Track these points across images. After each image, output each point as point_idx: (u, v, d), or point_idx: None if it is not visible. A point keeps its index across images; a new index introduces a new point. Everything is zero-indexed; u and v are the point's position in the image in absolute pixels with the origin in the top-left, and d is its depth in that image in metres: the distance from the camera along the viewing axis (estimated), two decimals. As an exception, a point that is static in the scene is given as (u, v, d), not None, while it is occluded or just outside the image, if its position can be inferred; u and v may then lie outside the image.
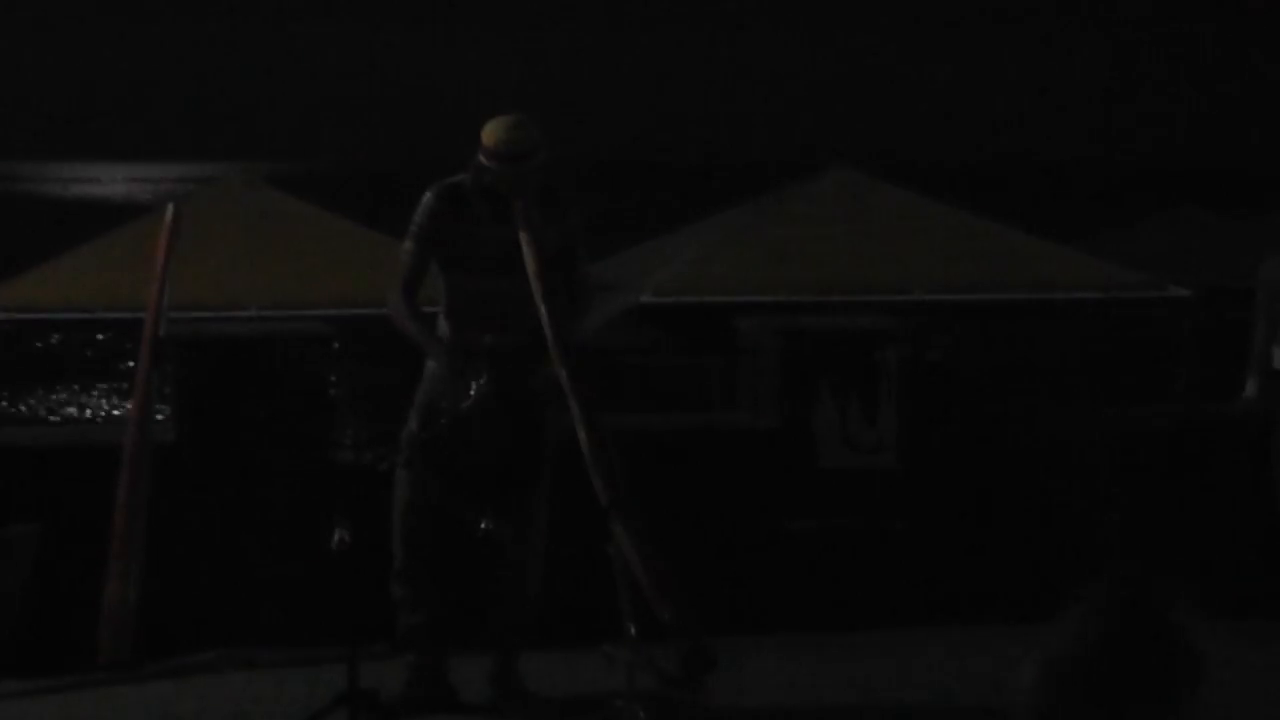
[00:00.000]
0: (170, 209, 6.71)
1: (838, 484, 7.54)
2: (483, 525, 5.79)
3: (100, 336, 11.32)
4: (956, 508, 7.68)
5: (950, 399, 8.06)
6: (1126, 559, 5.96)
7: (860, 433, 7.54)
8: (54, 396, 11.77)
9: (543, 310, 5.59)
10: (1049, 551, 7.02)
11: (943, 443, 7.80)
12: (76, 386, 11.59)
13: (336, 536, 5.35)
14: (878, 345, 7.70)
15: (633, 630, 5.56)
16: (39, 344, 12.22)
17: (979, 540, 7.40)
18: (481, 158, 5.69)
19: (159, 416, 7.12)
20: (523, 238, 5.58)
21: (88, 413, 10.94)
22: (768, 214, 12.72)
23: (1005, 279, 12.12)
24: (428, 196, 5.86)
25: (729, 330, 8.36)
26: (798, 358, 7.64)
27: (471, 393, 5.64)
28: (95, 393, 11.36)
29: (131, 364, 8.18)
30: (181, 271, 7.16)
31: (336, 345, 6.51)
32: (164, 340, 6.63)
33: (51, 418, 11.37)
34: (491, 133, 5.70)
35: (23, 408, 11.69)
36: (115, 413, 10.15)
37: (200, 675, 6.56)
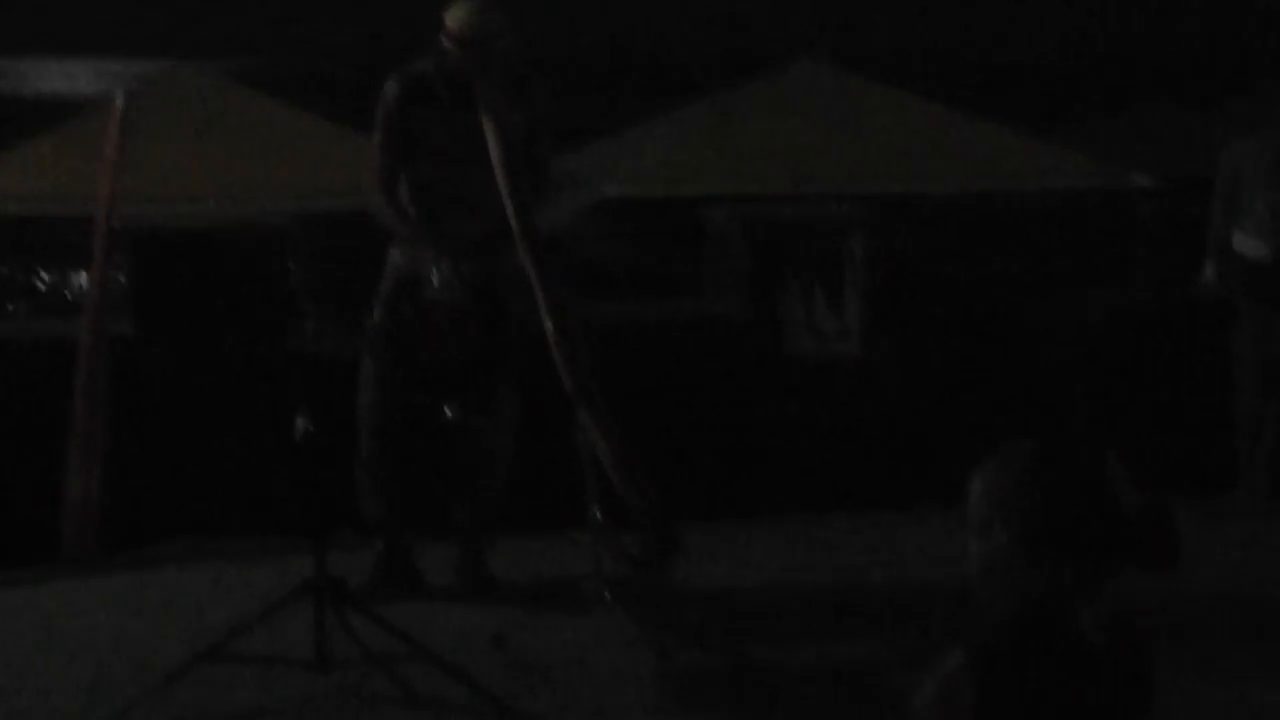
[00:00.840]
0: (120, 97, 6.64)
1: (803, 371, 7.71)
2: (447, 413, 5.86)
3: (51, 230, 11.34)
4: (921, 393, 7.85)
5: (914, 287, 8.18)
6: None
7: (825, 321, 7.63)
8: (8, 291, 11.83)
9: (508, 198, 5.58)
10: (1012, 435, 7.29)
11: (907, 329, 7.94)
12: (31, 281, 11.62)
13: (299, 426, 5.35)
14: (843, 235, 7.80)
15: (598, 515, 5.68)
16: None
17: (943, 425, 7.54)
18: (444, 42, 5.62)
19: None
20: (486, 124, 5.53)
21: (43, 305, 10.98)
22: (734, 107, 12.89)
23: (971, 170, 12.21)
24: (389, 85, 5.80)
25: (696, 221, 8.48)
26: (764, 248, 7.74)
27: (437, 278, 5.66)
28: (50, 286, 11.38)
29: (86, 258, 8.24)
30: (137, 165, 7.16)
31: (295, 236, 6.72)
32: (118, 232, 6.60)
33: (6, 311, 11.45)
34: (455, 16, 5.63)
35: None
36: (71, 306, 10.18)
37: (167, 566, 6.60)
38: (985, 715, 2.49)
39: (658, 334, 7.68)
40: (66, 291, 11.08)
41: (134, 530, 6.80)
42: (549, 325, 5.61)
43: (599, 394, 5.73)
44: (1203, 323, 7.86)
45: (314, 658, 5.45)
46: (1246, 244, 7.51)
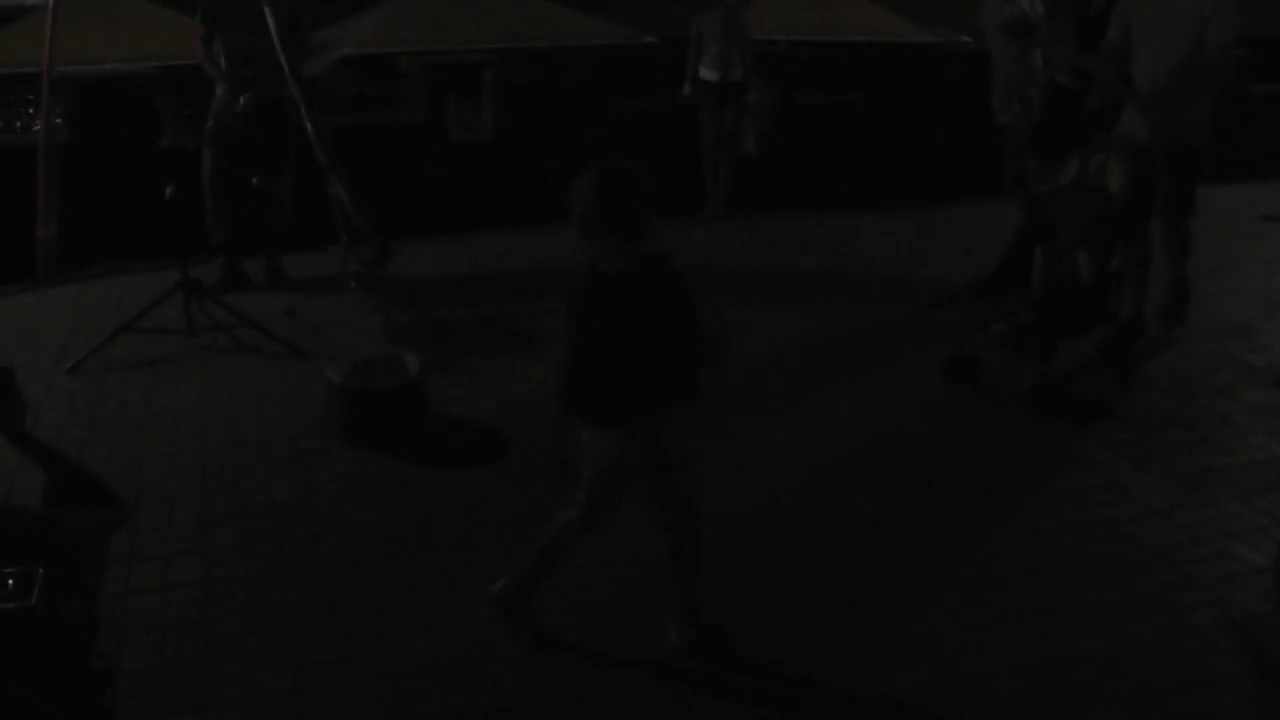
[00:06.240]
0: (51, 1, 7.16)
1: (459, 150, 8.91)
2: (254, 181, 7.11)
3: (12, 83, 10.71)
4: (527, 161, 8.88)
5: (522, 99, 9.30)
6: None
7: (472, 120, 8.86)
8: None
9: (281, 55, 6.79)
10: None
11: (519, 125, 9.18)
12: (5, 115, 11.03)
13: (168, 191, 6.13)
14: (481, 70, 8.97)
15: (344, 237, 6.97)
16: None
17: (538, 173, 8.51)
18: None
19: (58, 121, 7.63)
20: (266, 10, 6.82)
21: (17, 125, 10.54)
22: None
23: (564, 33, 11.82)
24: None
25: (395, 67, 9.55)
26: (434, 78, 8.93)
27: (241, 103, 6.99)
28: (18, 116, 10.74)
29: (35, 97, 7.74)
30: (64, 39, 7.62)
31: (160, 79, 7.28)
32: (55, 80, 7.29)
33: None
34: None
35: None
36: (34, 127, 9.62)
37: (97, 279, 7.78)
38: (587, 310, 2.99)
39: (374, 131, 8.59)
40: (17, 122, 10.64)
41: (77, 257, 7.64)
42: (309, 127, 6.76)
43: (339, 163, 6.82)
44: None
45: (184, 327, 6.46)
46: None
